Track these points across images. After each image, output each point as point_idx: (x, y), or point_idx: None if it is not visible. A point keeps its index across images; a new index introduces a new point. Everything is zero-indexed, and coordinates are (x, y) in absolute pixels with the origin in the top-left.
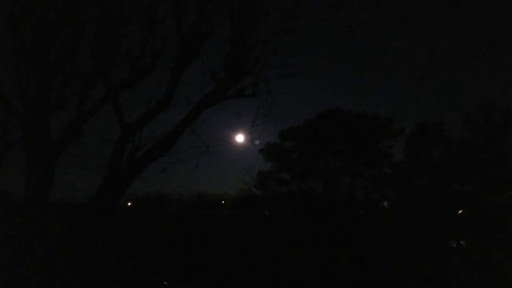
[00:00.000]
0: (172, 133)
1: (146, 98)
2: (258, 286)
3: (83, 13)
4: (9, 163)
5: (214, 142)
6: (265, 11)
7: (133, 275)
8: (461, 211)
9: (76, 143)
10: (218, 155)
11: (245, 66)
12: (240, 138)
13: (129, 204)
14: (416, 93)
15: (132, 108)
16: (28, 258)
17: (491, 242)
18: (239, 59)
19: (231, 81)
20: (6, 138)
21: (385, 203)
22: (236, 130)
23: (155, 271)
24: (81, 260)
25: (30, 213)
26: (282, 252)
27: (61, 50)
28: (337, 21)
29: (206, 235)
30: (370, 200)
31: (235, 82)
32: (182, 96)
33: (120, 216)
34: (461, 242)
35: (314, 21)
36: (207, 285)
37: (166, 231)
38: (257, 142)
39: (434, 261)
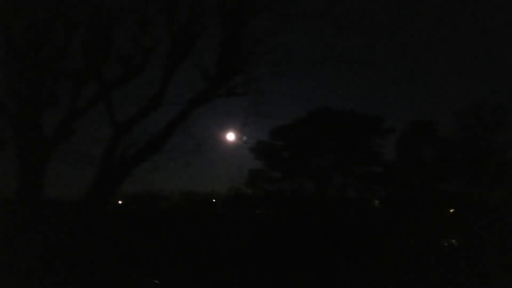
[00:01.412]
0: (163, 131)
1: (138, 96)
2: (249, 285)
3: (75, 11)
4: (0, 162)
5: (205, 140)
6: (256, 9)
7: (125, 274)
8: (452, 209)
9: (67, 142)
10: (209, 153)
11: (236, 65)
12: (231, 136)
13: (120, 202)
14: (407, 91)
15: (124, 107)
16: (19, 256)
17: (481, 240)
18: (230, 58)
19: (222, 79)
20: None
21: (376, 202)
22: (227, 128)
23: (148, 270)
24: (71, 258)
25: (21, 211)
26: (273, 251)
27: (53, 48)
28: (328, 20)
29: (197, 234)
30: (361, 199)
31: (226, 81)
32: (174, 95)
33: (111, 214)
34: (452, 241)
35: (305, 20)
36: (199, 285)
37: (157, 229)
38: (244, 138)
39: (424, 260)
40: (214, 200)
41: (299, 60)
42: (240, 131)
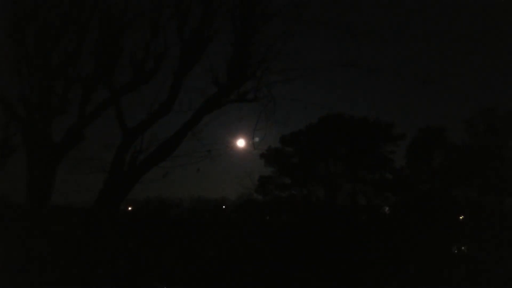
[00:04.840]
0: (174, 137)
1: (148, 102)
2: None
3: (86, 17)
4: (10, 167)
5: (215, 146)
6: (267, 15)
7: (133, 280)
8: (462, 216)
9: (77, 147)
10: (219, 160)
11: (247, 71)
12: (241, 142)
13: (129, 208)
14: (417, 98)
15: (134, 112)
16: (28, 261)
17: (492, 247)
18: (242, 64)
19: (233, 85)
20: (8, 142)
21: (386, 208)
22: (237, 134)
23: (155, 276)
24: (81, 264)
25: (31, 217)
26: (282, 257)
27: (63, 54)
28: (340, 26)
29: (206, 241)
30: (371, 206)
31: (237, 87)
32: (184, 100)
33: (121, 221)
34: (463, 248)
35: (317, 26)
36: None
37: (166, 236)
38: (256, 139)
39: (435, 267)
40: (224, 207)
41: (311, 66)
42: (250, 137)
